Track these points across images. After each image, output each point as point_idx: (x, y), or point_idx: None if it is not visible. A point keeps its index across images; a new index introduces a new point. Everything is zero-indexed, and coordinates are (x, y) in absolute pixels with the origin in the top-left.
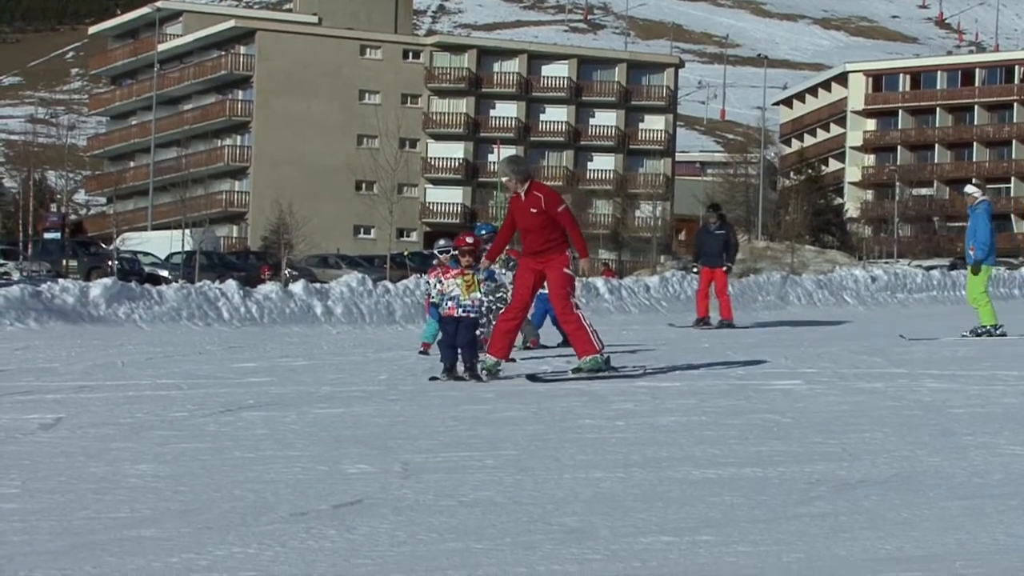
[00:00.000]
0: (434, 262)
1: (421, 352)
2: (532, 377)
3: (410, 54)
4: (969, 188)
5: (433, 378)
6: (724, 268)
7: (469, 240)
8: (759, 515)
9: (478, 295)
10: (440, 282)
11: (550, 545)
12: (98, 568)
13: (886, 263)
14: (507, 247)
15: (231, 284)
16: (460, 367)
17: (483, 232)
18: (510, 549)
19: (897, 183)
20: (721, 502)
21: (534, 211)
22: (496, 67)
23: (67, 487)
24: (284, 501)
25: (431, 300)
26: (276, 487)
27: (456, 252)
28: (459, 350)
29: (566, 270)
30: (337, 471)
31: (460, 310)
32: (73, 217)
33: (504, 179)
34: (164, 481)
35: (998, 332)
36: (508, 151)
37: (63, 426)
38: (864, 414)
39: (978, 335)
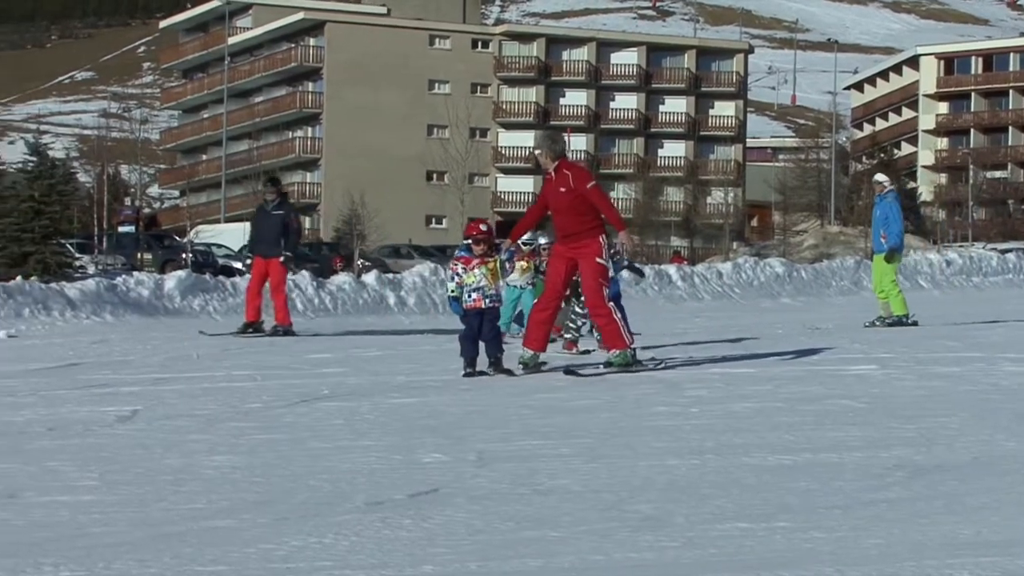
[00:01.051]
0: (458, 252)
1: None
2: (569, 371)
3: (479, 43)
4: (878, 177)
5: (468, 374)
6: (280, 259)
7: (483, 227)
8: (836, 501)
9: (502, 283)
10: (459, 275)
11: (626, 532)
12: (176, 559)
13: (961, 247)
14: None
15: (304, 275)
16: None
17: (540, 240)
18: (586, 537)
19: (971, 166)
20: (797, 488)
21: (563, 190)
22: (565, 55)
23: (144, 479)
24: (360, 491)
25: (451, 294)
26: (352, 477)
27: (469, 241)
28: (484, 344)
29: (599, 259)
30: (412, 460)
31: (487, 300)
32: (147, 211)
33: (537, 152)
34: (240, 472)
35: (910, 322)
36: (578, 139)
37: (140, 418)
38: (941, 399)
39: (889, 326)
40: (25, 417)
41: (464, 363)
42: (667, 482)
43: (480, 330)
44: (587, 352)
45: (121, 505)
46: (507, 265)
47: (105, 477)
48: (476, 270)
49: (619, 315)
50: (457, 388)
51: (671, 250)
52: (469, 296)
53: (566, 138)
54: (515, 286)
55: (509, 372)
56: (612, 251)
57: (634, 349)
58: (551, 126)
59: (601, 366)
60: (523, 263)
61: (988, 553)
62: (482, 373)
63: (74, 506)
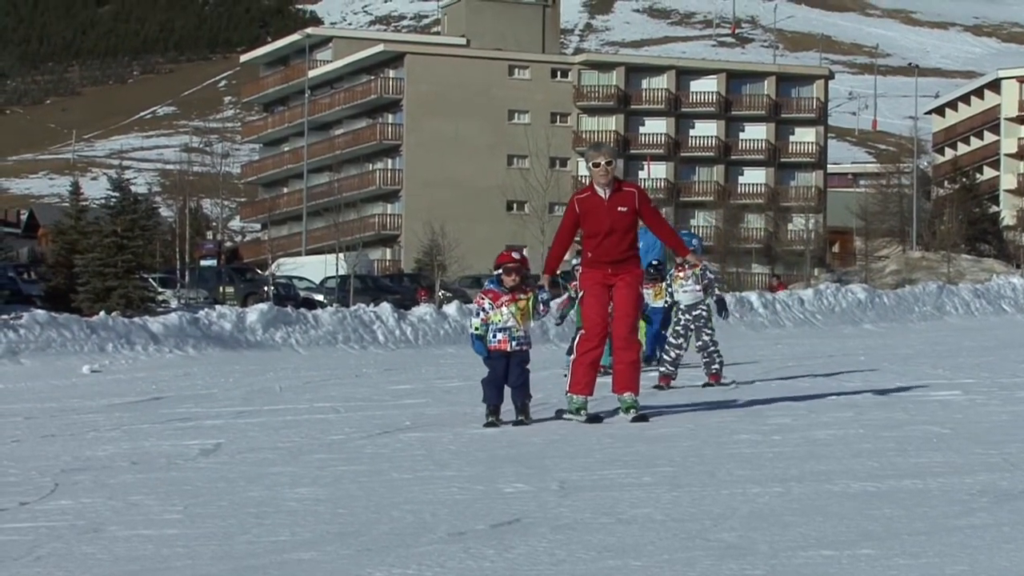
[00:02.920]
0: (487, 284)
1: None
2: (593, 417)
3: (558, 73)
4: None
5: (490, 424)
6: None
7: (516, 256)
8: (920, 527)
9: (531, 324)
10: (486, 311)
11: (709, 561)
12: None
13: None
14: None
15: (386, 307)
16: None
17: (693, 242)
18: (668, 566)
19: None
20: (881, 515)
21: (623, 209)
22: (644, 84)
23: (228, 512)
24: (442, 521)
25: (474, 331)
26: (434, 507)
27: (499, 272)
28: (510, 390)
29: (640, 288)
30: (494, 490)
31: (513, 343)
32: (228, 244)
33: (604, 161)
34: (323, 504)
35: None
36: (658, 167)
37: (223, 451)
38: None
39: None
40: (108, 452)
41: (487, 411)
42: (750, 510)
43: (506, 375)
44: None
45: (205, 538)
46: (541, 307)
47: (188, 510)
48: (504, 308)
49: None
50: (539, 417)
51: (758, 277)
52: (494, 336)
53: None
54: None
55: (528, 422)
56: (706, 280)
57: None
58: (631, 155)
59: (622, 411)
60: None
61: None
62: (510, 422)
63: (158, 540)
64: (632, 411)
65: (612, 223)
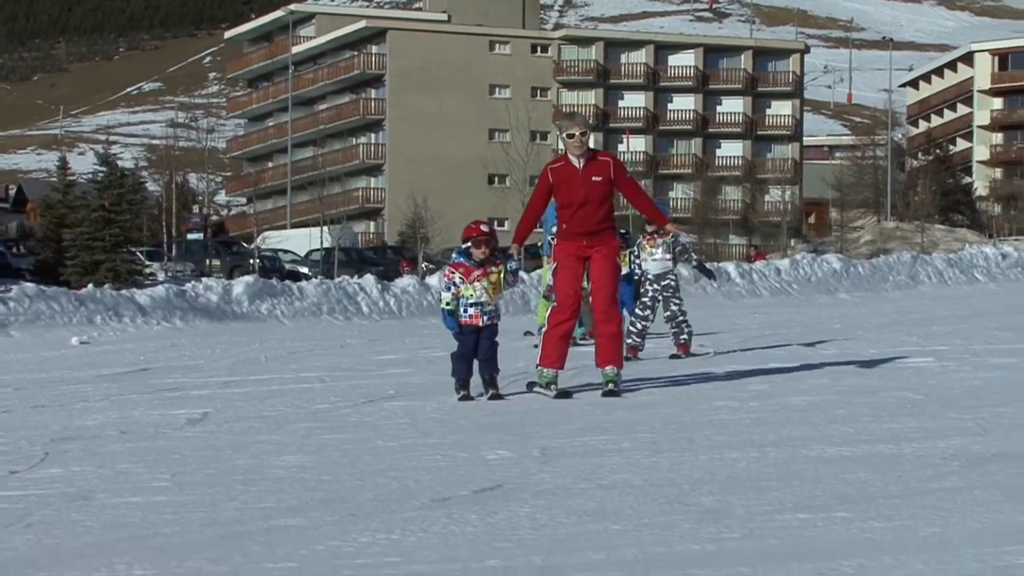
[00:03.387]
0: (454, 256)
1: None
2: (563, 393)
3: (538, 48)
4: None
5: (464, 397)
6: None
7: (485, 228)
8: (893, 491)
9: (502, 297)
10: (455, 285)
11: (687, 525)
12: (246, 557)
13: (1017, 240)
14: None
15: (369, 279)
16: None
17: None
18: (648, 530)
19: None
20: (855, 479)
21: (598, 179)
22: (623, 58)
23: (215, 479)
24: (426, 488)
25: (445, 307)
26: (417, 474)
27: (468, 244)
28: (478, 363)
29: (618, 258)
30: (477, 457)
31: (485, 317)
32: (214, 218)
33: (579, 131)
34: (309, 471)
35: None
36: (637, 141)
37: (210, 421)
38: (997, 389)
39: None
40: (97, 421)
41: (456, 384)
42: (727, 475)
43: (476, 348)
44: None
45: (192, 505)
46: (510, 278)
47: (176, 478)
48: (477, 283)
49: (624, 328)
50: (521, 386)
51: (736, 248)
52: (465, 311)
53: (625, 139)
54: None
55: (499, 396)
56: (678, 248)
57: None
58: (611, 128)
59: (608, 385)
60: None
61: None
62: (481, 395)
63: (146, 507)
64: (610, 384)
65: (587, 193)
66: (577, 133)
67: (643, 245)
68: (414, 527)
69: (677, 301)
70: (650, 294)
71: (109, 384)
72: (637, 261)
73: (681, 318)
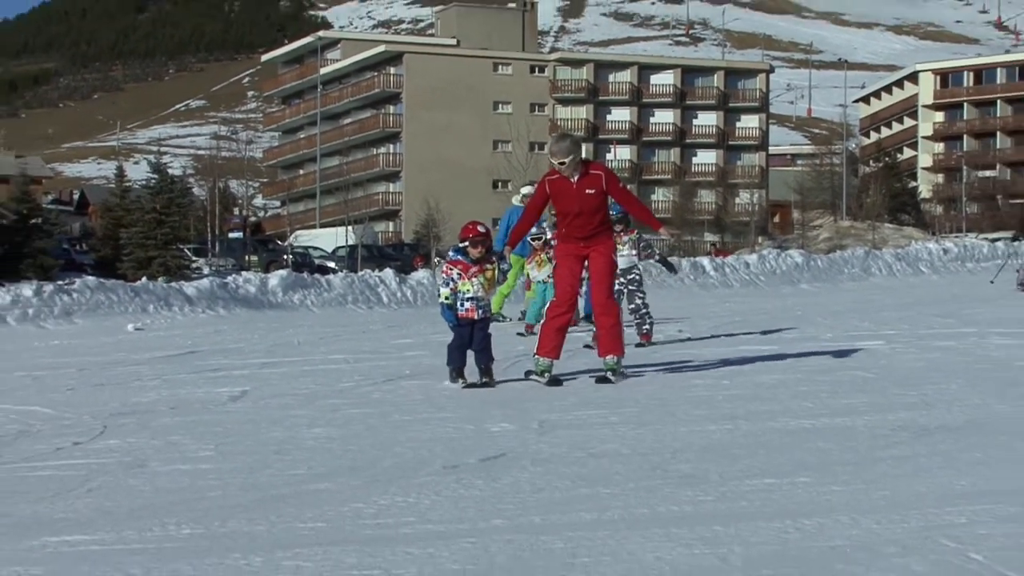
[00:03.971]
0: (451, 254)
1: (522, 334)
2: (554, 380)
3: (536, 69)
4: (526, 189)
5: (465, 383)
6: None
7: (482, 229)
8: (849, 459)
9: (493, 294)
10: (454, 281)
11: (668, 489)
12: (280, 518)
13: (956, 237)
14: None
15: (388, 272)
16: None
17: (615, 213)
18: (633, 493)
19: (964, 167)
20: (816, 448)
21: (591, 191)
22: (611, 78)
23: (253, 449)
24: (438, 456)
25: (444, 301)
26: (431, 444)
27: (466, 243)
28: (474, 354)
29: (613, 255)
30: (483, 430)
31: (480, 311)
32: (253, 219)
33: (566, 159)
34: (335, 442)
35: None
36: (623, 150)
37: (249, 397)
38: (939, 369)
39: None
40: (150, 398)
41: (451, 373)
42: (703, 445)
43: (471, 340)
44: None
45: (234, 472)
46: (501, 277)
47: (219, 448)
48: (474, 279)
49: (621, 319)
50: (521, 367)
51: (707, 244)
52: (462, 305)
53: (612, 149)
54: (540, 281)
55: (492, 383)
56: (642, 244)
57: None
58: (600, 139)
59: (608, 375)
60: (540, 257)
61: (981, 502)
62: (472, 385)
63: (193, 474)
64: (609, 372)
65: (581, 205)
66: (556, 163)
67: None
68: (428, 491)
69: (641, 295)
70: (616, 287)
71: (160, 365)
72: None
73: (644, 310)
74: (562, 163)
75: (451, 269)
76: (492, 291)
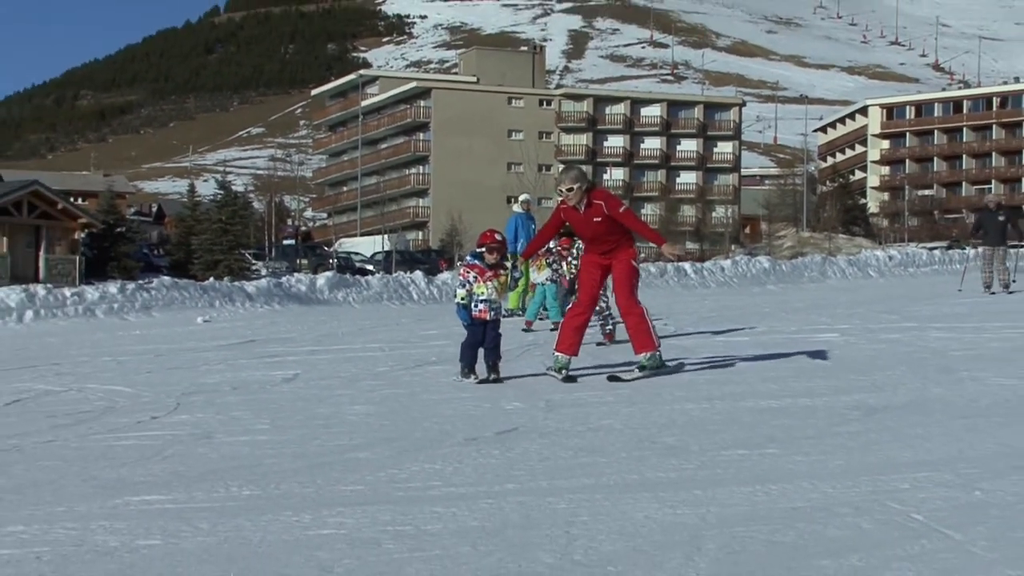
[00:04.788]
0: (468, 258)
1: (524, 329)
2: (612, 378)
3: (544, 102)
4: (523, 197)
5: (482, 381)
6: None
7: (498, 237)
8: (809, 433)
9: (507, 296)
10: (469, 283)
11: (655, 458)
12: (326, 481)
13: (900, 246)
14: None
15: (418, 274)
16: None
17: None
18: (626, 462)
19: (906, 187)
20: (781, 424)
21: (598, 220)
22: (607, 110)
23: (303, 423)
24: (460, 430)
25: (459, 301)
26: (454, 420)
27: (482, 249)
28: (483, 351)
29: (633, 262)
30: (498, 408)
31: (492, 312)
32: (303, 228)
33: (574, 186)
34: (373, 417)
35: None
36: (617, 172)
37: (300, 379)
38: (886, 357)
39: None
40: (216, 379)
41: (462, 368)
42: (685, 421)
43: (483, 338)
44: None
45: (286, 443)
46: (512, 283)
47: (274, 422)
48: (488, 283)
49: (649, 317)
50: (532, 356)
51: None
52: (476, 306)
53: (609, 171)
54: (540, 283)
55: (499, 380)
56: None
57: (661, 352)
58: (598, 162)
59: (635, 369)
60: (540, 262)
61: (922, 470)
62: (484, 381)
63: (252, 444)
64: (645, 369)
65: (591, 232)
66: (564, 190)
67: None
68: (451, 459)
69: (605, 299)
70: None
71: (224, 352)
72: (575, 263)
73: (607, 312)
74: (569, 190)
75: (468, 272)
76: (505, 294)
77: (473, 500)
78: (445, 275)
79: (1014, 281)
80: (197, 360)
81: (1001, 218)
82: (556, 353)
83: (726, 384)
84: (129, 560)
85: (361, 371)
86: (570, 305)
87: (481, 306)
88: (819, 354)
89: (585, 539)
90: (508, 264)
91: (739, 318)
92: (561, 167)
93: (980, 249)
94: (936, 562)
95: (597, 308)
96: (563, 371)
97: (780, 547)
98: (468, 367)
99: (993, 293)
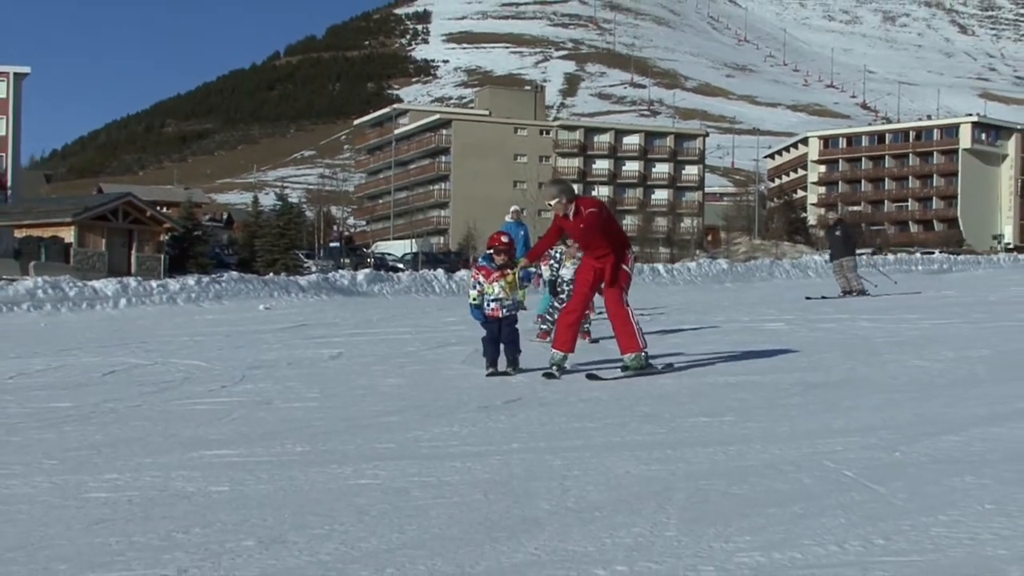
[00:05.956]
0: (480, 261)
1: (535, 322)
2: (591, 376)
3: (543, 132)
4: (513, 207)
5: (491, 374)
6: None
7: (505, 240)
8: (760, 404)
9: (518, 294)
10: (481, 283)
11: (634, 424)
12: (365, 440)
13: None
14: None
15: (440, 271)
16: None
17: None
18: (610, 427)
19: (839, 203)
20: (736, 397)
21: (583, 227)
22: (595, 139)
23: (346, 392)
24: (474, 399)
25: (472, 302)
26: (469, 391)
27: (491, 251)
28: (504, 346)
29: (624, 267)
30: (505, 381)
31: (504, 311)
32: (346, 233)
33: (552, 202)
34: (402, 389)
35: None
36: (603, 189)
37: (343, 357)
38: (823, 342)
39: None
40: (274, 356)
41: (487, 363)
42: (658, 394)
43: (500, 334)
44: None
45: (333, 408)
46: (523, 283)
47: (323, 391)
48: (496, 284)
49: (635, 319)
50: (532, 334)
51: (660, 255)
52: (488, 305)
53: (596, 189)
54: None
55: (519, 371)
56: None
57: (647, 353)
58: (588, 182)
59: (619, 370)
60: (550, 263)
61: (852, 436)
62: (504, 374)
63: (304, 409)
64: (620, 370)
65: (582, 240)
66: (547, 203)
67: (565, 255)
68: (466, 423)
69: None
70: (567, 292)
71: (281, 334)
72: (556, 266)
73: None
74: (550, 205)
75: (478, 274)
76: (514, 292)
77: (485, 457)
78: (462, 272)
79: (863, 286)
80: (259, 340)
81: (837, 233)
82: (553, 351)
83: (692, 365)
84: (203, 503)
85: (393, 351)
86: (552, 304)
87: (493, 305)
88: (768, 340)
89: (576, 490)
90: (516, 264)
91: (702, 310)
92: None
93: (832, 263)
94: (863, 510)
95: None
96: (555, 367)
97: (736, 497)
98: (491, 361)
99: (847, 294)
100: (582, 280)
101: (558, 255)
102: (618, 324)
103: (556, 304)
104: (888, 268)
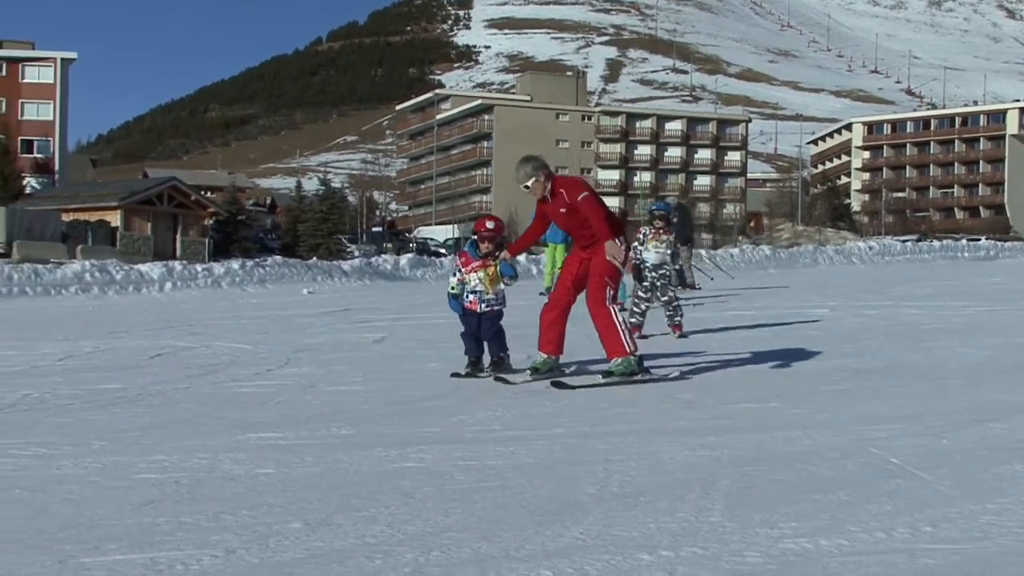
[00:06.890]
0: (465, 248)
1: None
2: (557, 384)
3: (585, 117)
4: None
5: (455, 374)
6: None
7: (490, 225)
8: (804, 390)
9: (501, 287)
10: (460, 272)
11: (676, 409)
12: (409, 423)
13: (877, 238)
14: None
15: None
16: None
17: (660, 209)
18: (654, 412)
19: (883, 190)
20: (780, 383)
21: (563, 210)
22: (638, 124)
23: (390, 376)
24: (516, 384)
25: (451, 291)
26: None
27: (475, 237)
28: (487, 344)
29: (612, 259)
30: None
31: (483, 305)
32: (389, 218)
33: (529, 182)
34: (444, 373)
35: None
36: (646, 175)
37: (387, 341)
38: (867, 329)
39: None
40: (319, 340)
41: (468, 361)
42: (701, 380)
43: (479, 329)
44: (643, 336)
45: (377, 392)
46: (504, 279)
47: (366, 375)
48: (474, 274)
49: (619, 319)
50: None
51: (703, 241)
52: (467, 297)
53: (639, 175)
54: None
55: (505, 380)
56: (671, 251)
57: (639, 356)
58: (629, 167)
59: (600, 376)
60: (655, 240)
61: (897, 422)
62: (479, 375)
63: (348, 393)
64: (602, 376)
65: (563, 223)
66: (523, 185)
67: (650, 238)
68: (510, 407)
69: (672, 288)
70: (649, 279)
71: (326, 318)
72: (640, 249)
73: (676, 303)
74: (526, 187)
75: (459, 259)
76: (495, 287)
77: (528, 441)
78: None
79: (694, 280)
80: (303, 324)
81: (674, 220)
82: (540, 353)
83: (737, 350)
84: (250, 485)
85: (436, 335)
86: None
87: (471, 297)
88: (812, 325)
89: (620, 474)
90: (500, 255)
91: (745, 296)
92: (599, 169)
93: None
94: (909, 497)
95: (665, 299)
96: (537, 370)
97: (781, 484)
98: (471, 361)
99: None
100: (566, 273)
101: (642, 236)
102: (598, 324)
103: (640, 293)
104: (934, 254)
